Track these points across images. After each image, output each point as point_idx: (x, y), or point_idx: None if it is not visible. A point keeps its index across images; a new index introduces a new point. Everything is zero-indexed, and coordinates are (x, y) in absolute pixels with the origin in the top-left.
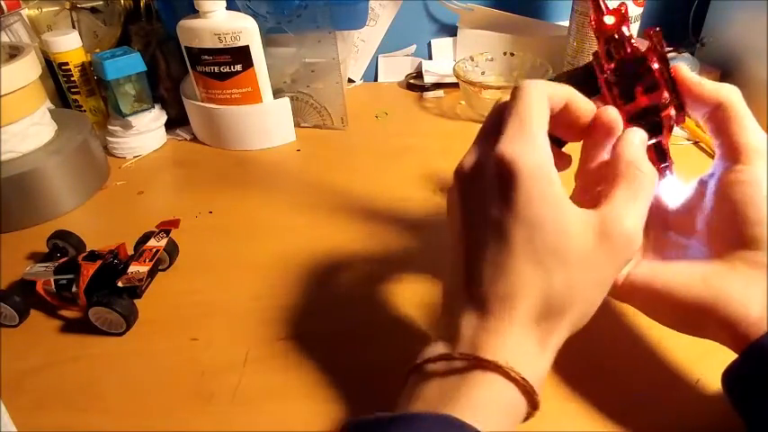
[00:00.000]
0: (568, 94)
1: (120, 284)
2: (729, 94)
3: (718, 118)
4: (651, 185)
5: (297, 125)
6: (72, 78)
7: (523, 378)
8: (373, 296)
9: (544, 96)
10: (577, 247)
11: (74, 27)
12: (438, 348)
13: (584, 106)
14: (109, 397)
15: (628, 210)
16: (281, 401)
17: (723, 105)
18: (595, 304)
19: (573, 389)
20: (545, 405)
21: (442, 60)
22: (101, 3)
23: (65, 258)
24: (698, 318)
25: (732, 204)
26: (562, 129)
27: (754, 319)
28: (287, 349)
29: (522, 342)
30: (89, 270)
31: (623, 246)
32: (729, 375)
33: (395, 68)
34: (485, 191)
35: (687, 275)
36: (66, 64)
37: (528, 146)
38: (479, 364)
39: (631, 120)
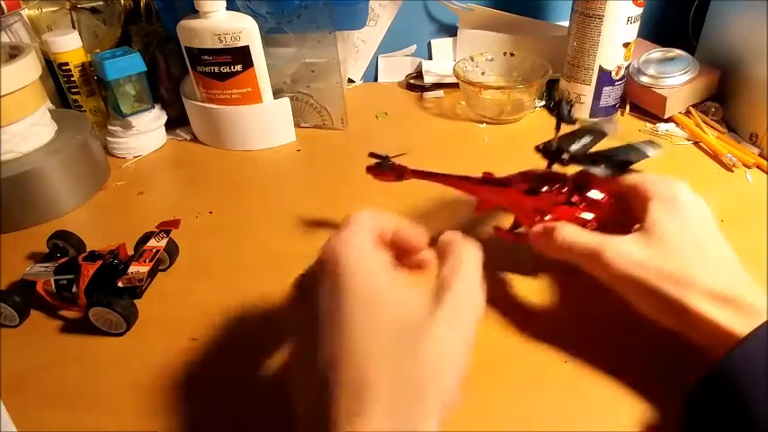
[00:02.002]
0: (396, 224)
1: (120, 285)
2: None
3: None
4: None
5: (297, 125)
6: (72, 78)
7: None
8: None
9: (371, 218)
10: (416, 322)
11: (74, 27)
12: None
13: (414, 238)
14: (109, 397)
15: (454, 278)
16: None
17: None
18: (454, 380)
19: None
20: None
21: (442, 60)
22: (101, 3)
23: (65, 258)
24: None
25: None
26: (400, 255)
27: None
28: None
29: None
30: (89, 270)
31: (461, 309)
32: (689, 398)
33: (395, 68)
34: (318, 288)
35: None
36: (67, 64)
37: (347, 243)
38: None
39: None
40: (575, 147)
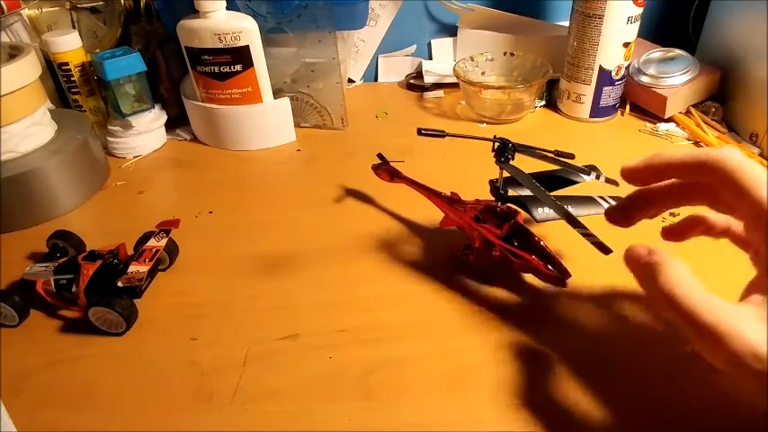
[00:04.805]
0: None
1: (120, 284)
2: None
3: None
4: None
5: (297, 125)
6: (72, 78)
7: None
8: (373, 296)
9: None
10: None
11: (74, 27)
12: None
13: None
14: (109, 397)
15: None
16: (281, 401)
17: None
18: None
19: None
20: None
21: (442, 60)
22: (101, 3)
23: (65, 258)
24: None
25: None
26: None
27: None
28: (287, 349)
29: None
30: (89, 270)
31: None
32: None
33: (395, 68)
34: None
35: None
36: (67, 64)
37: None
38: None
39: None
40: (518, 192)
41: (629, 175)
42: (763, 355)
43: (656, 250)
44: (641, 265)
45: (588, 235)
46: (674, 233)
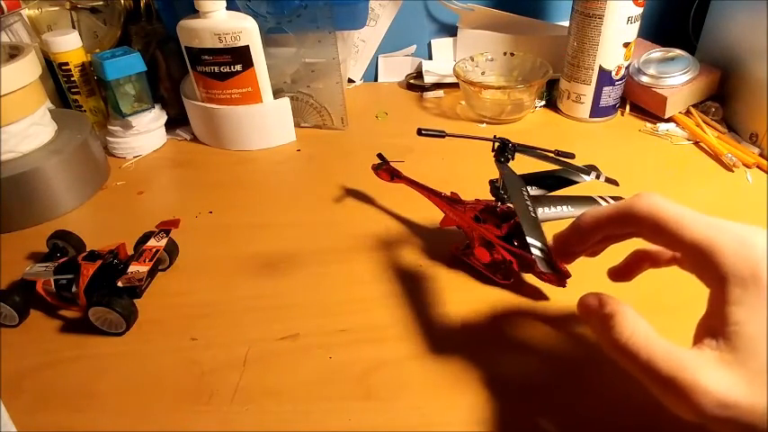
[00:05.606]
0: None
1: (119, 284)
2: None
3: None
4: None
5: (297, 125)
6: (72, 78)
7: None
8: (373, 296)
9: None
10: None
11: (74, 27)
12: None
13: None
14: (109, 397)
15: None
16: (281, 401)
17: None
18: None
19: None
20: None
21: (442, 60)
22: (101, 3)
23: (65, 258)
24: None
25: None
26: None
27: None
28: (287, 349)
29: None
30: (89, 270)
31: None
32: None
33: (395, 68)
34: None
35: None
36: (67, 64)
37: None
38: None
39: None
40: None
41: (560, 245)
42: (730, 402)
43: (608, 300)
44: (593, 317)
45: (543, 252)
46: (621, 274)
